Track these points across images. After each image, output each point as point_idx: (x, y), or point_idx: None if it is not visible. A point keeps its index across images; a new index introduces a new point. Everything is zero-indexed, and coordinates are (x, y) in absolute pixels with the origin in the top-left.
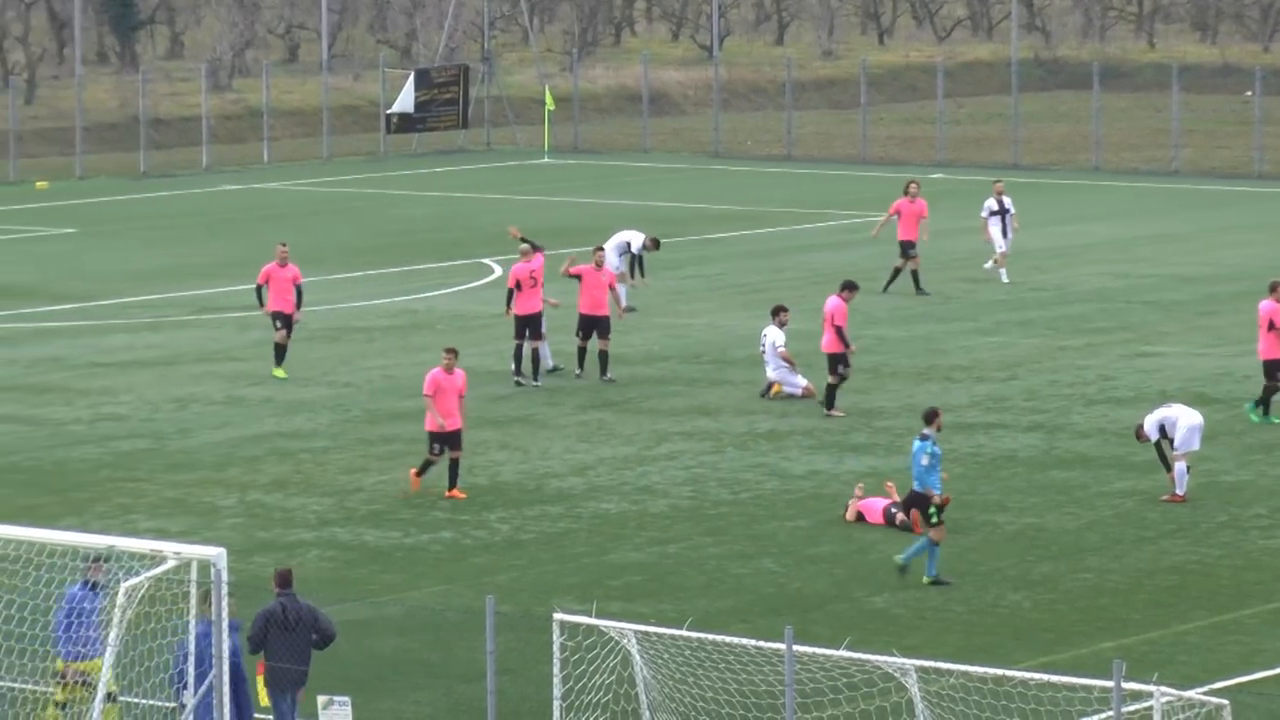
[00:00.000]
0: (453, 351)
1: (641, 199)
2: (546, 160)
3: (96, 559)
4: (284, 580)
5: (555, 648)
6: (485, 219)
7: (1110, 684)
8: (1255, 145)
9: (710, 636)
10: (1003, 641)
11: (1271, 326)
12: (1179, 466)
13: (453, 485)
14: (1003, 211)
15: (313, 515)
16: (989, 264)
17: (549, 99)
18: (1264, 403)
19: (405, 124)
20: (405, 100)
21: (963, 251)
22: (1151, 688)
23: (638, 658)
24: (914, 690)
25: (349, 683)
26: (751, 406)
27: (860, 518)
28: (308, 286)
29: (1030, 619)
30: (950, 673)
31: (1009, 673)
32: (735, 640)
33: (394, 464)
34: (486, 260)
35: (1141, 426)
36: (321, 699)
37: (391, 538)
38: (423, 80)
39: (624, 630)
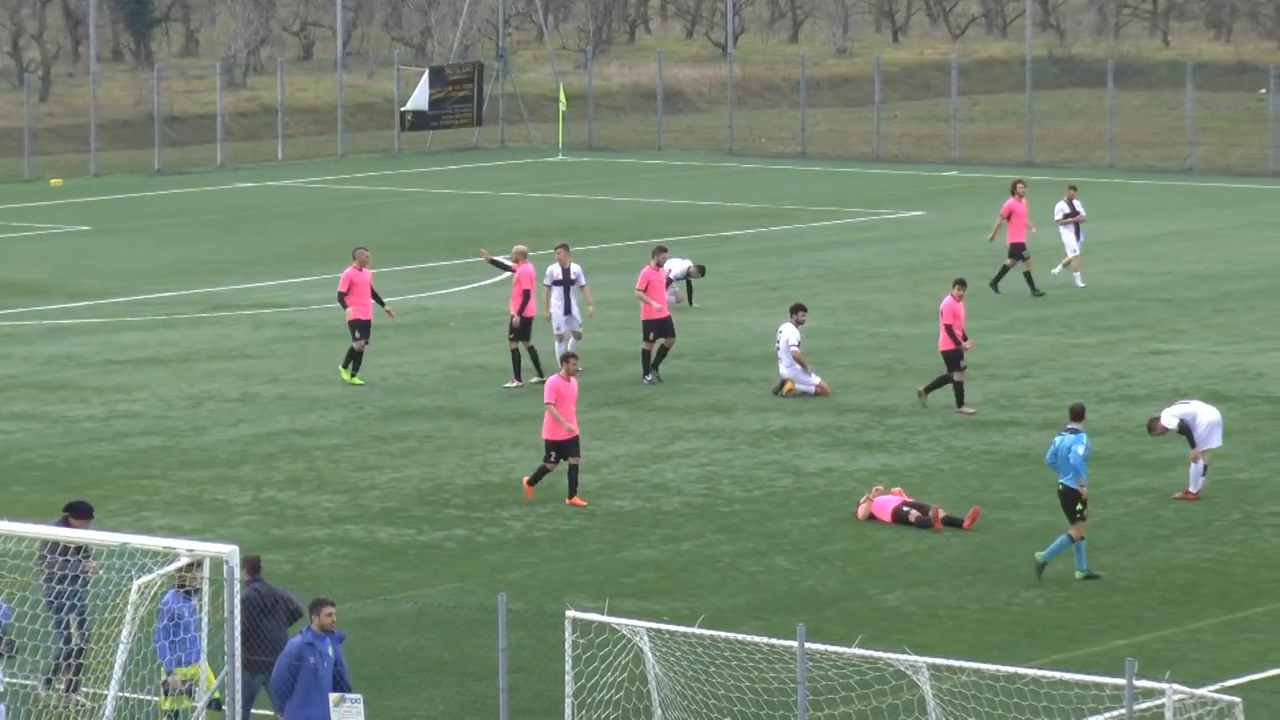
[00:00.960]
0: (573, 358)
1: (656, 196)
2: (561, 158)
3: (189, 565)
4: (253, 567)
5: (567, 645)
6: (500, 216)
7: (1122, 682)
8: (1270, 143)
9: (723, 634)
10: (1015, 639)
11: None
12: (1195, 466)
13: (573, 493)
14: (1074, 214)
15: (326, 512)
16: (1058, 268)
17: (562, 98)
18: None
19: (420, 121)
20: (420, 98)
21: (977, 249)
22: (1164, 685)
23: (650, 655)
24: (926, 688)
25: (361, 680)
26: (765, 404)
27: (871, 517)
28: (323, 284)
29: (1043, 617)
30: (963, 670)
31: (1021, 670)
32: (748, 638)
33: (407, 461)
34: (500, 258)
35: (1157, 419)
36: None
37: (405, 535)
38: (437, 78)
39: (636, 628)
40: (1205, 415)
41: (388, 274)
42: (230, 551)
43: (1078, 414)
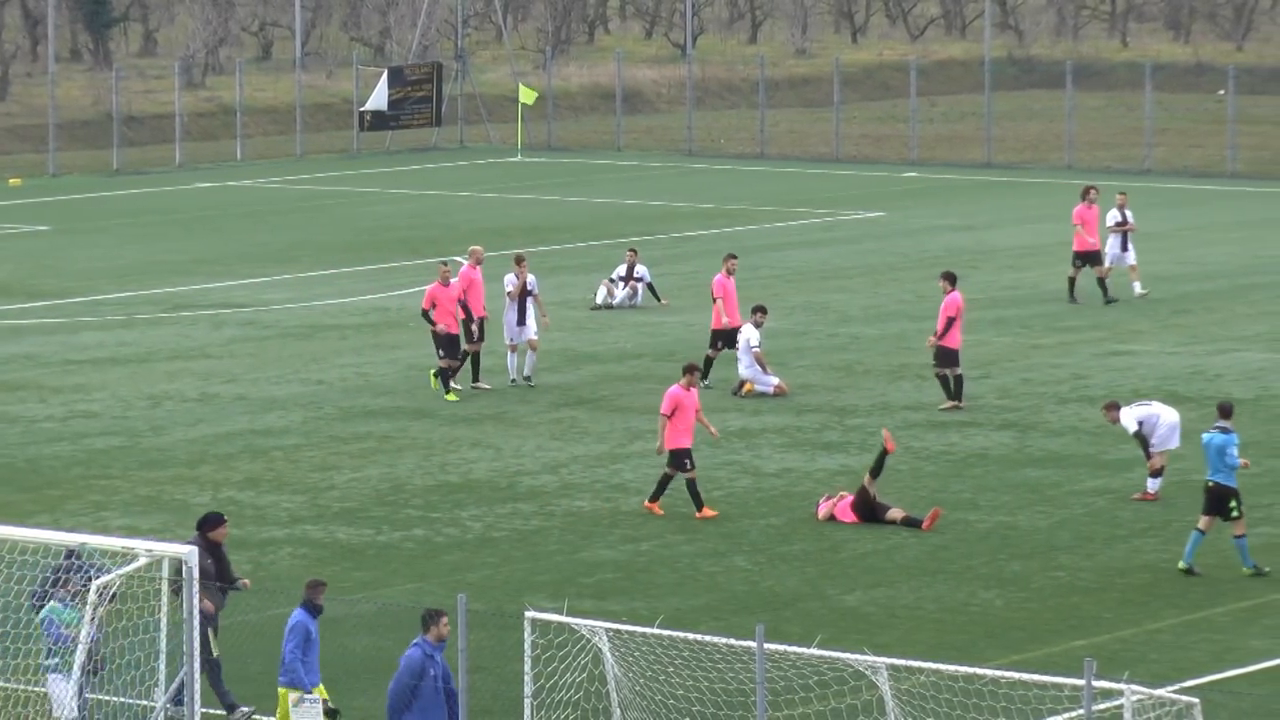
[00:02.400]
0: (695, 370)
1: (614, 197)
2: (520, 158)
3: (315, 583)
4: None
5: (527, 645)
6: (458, 217)
7: (1081, 682)
8: (1228, 144)
9: (682, 634)
10: (974, 640)
11: None
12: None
13: (700, 505)
14: (1124, 223)
15: (285, 513)
16: (1136, 287)
17: (526, 93)
18: None
19: (379, 121)
20: (379, 98)
21: (936, 249)
22: (1122, 686)
23: (609, 656)
24: (885, 688)
25: (321, 680)
26: (724, 404)
27: (832, 518)
28: (282, 284)
29: (1002, 617)
30: (922, 671)
31: (980, 671)
32: (707, 638)
33: (366, 461)
34: (459, 258)
35: (1115, 407)
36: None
37: (364, 535)
38: (396, 78)
39: (596, 628)
40: (1166, 416)
41: (346, 274)
42: (189, 552)
43: (1227, 412)
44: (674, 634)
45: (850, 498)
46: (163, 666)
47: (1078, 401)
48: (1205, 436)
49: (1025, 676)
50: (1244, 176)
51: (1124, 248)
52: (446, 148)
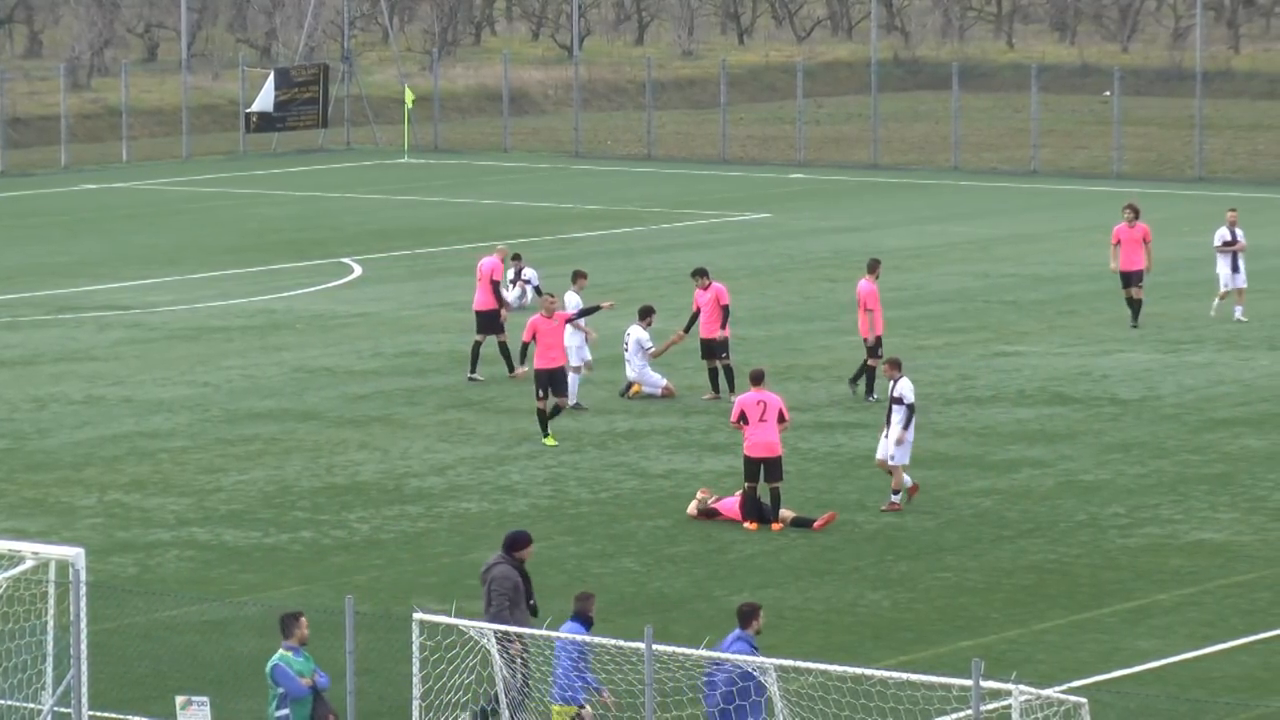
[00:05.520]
0: (760, 375)
1: (502, 199)
2: (406, 160)
3: (586, 595)
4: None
5: (415, 647)
6: (345, 218)
7: (969, 682)
8: (1114, 145)
9: (570, 636)
10: (862, 641)
11: None
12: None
13: (776, 515)
14: (1234, 242)
15: (171, 515)
16: (1214, 306)
17: (408, 96)
18: None
19: (265, 123)
20: (265, 99)
21: (823, 251)
22: (1010, 686)
23: (497, 658)
24: (774, 689)
25: (207, 683)
26: (611, 406)
27: (715, 514)
28: (168, 286)
29: (889, 618)
30: (809, 671)
31: (868, 671)
32: (595, 639)
33: (253, 463)
34: (346, 260)
35: (896, 364)
36: (180, 699)
37: (251, 537)
38: (282, 79)
39: (484, 630)
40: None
41: (232, 276)
42: (76, 554)
43: None
44: (562, 635)
45: (738, 496)
46: (50, 669)
47: (964, 402)
48: None
49: (913, 677)
50: (1129, 178)
51: (1235, 268)
52: (333, 149)
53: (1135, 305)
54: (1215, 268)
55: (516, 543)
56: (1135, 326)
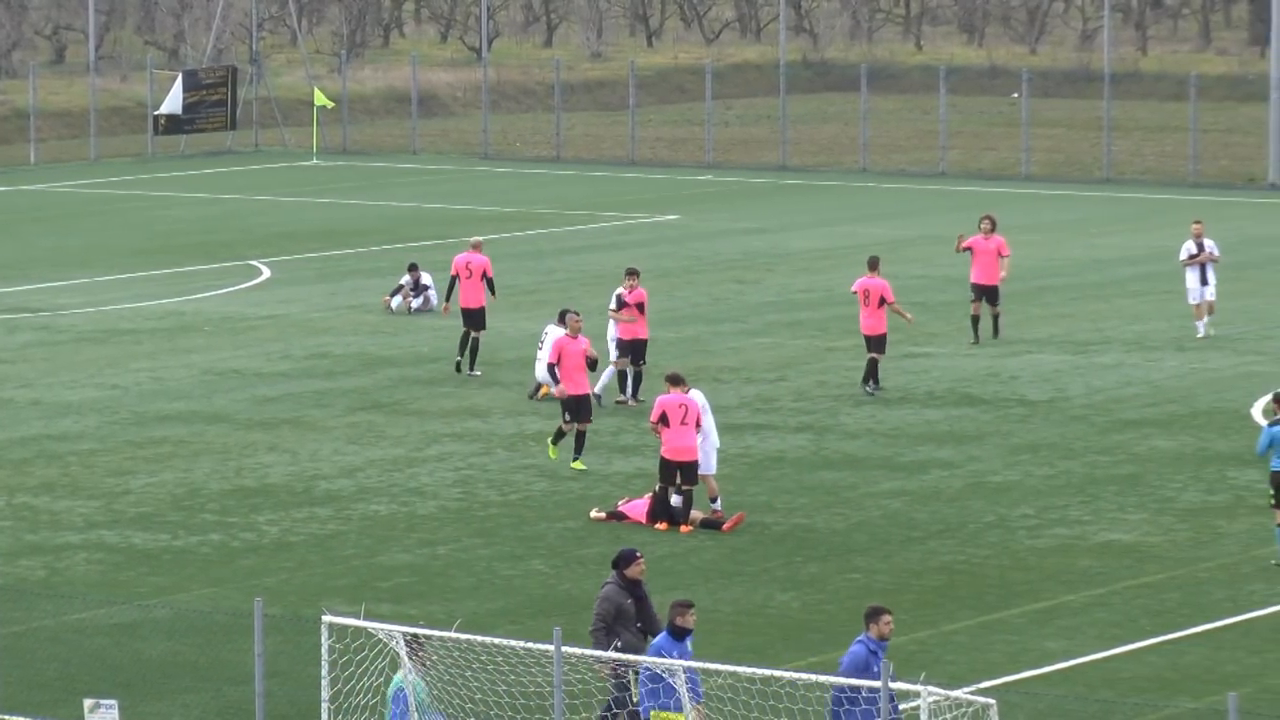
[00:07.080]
0: (679, 377)
1: (411, 200)
2: (315, 162)
3: (686, 605)
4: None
5: (324, 650)
6: (254, 221)
7: (878, 683)
8: (1022, 147)
9: (479, 638)
10: (771, 641)
11: None
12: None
13: (686, 517)
14: (1200, 253)
15: (80, 518)
16: (1201, 326)
17: (321, 98)
18: None
19: (173, 125)
20: (173, 101)
21: (732, 252)
22: (919, 687)
23: (407, 660)
24: (683, 690)
25: (116, 686)
26: (521, 408)
27: (622, 517)
28: (77, 288)
29: (798, 619)
30: (719, 673)
31: (777, 673)
32: (504, 641)
33: (162, 466)
34: (255, 262)
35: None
36: (88, 703)
37: (160, 540)
38: (190, 81)
39: (393, 632)
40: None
41: (141, 278)
42: None
43: None
44: (471, 637)
45: (646, 499)
46: None
47: (873, 404)
48: (1267, 428)
49: (822, 678)
50: (1037, 179)
51: (1204, 280)
52: (242, 151)
53: (986, 320)
54: (1184, 282)
55: (619, 561)
56: (976, 343)
